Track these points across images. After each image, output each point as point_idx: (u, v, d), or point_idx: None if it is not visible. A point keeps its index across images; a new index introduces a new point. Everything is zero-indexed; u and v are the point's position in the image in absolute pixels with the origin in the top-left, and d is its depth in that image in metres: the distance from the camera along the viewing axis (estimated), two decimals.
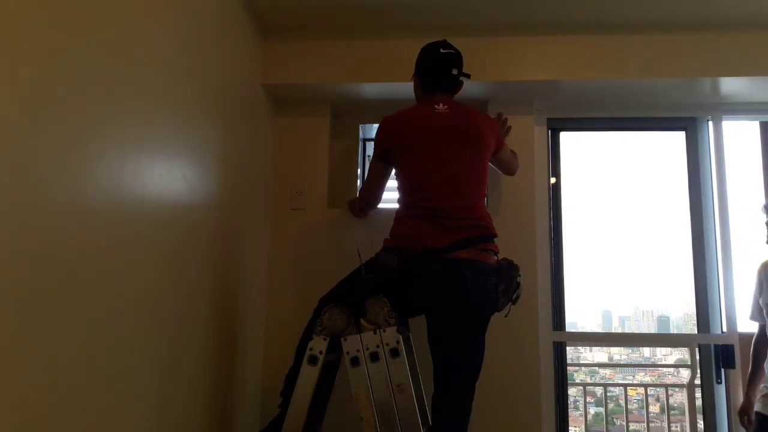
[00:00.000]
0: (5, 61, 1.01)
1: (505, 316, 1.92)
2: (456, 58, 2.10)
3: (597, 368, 3.85)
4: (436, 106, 2.04)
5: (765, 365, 2.25)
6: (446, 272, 1.83)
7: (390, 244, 1.95)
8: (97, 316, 1.29)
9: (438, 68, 2.10)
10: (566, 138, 2.79)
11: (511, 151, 2.35)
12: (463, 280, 1.83)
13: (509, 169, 2.38)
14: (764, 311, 2.29)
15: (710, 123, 2.69)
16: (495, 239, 1.97)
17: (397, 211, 2.02)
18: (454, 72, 2.09)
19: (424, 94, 2.13)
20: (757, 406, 2.21)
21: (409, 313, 2.00)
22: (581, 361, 3.80)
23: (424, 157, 1.99)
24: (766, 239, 2.25)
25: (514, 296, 1.92)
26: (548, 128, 2.74)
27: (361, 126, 2.83)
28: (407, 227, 1.94)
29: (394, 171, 2.13)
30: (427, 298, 1.85)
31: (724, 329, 2.53)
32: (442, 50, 2.10)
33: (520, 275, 1.94)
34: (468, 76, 2.13)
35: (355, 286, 1.92)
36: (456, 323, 1.84)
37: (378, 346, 1.73)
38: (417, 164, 2.00)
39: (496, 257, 1.94)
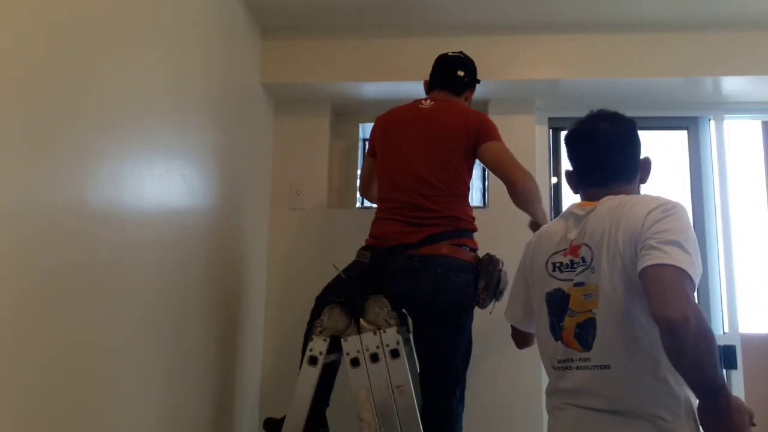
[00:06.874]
0: (5, 61, 1.00)
1: (490, 313, 1.90)
2: (463, 61, 2.13)
3: None
4: (423, 102, 2.06)
5: None
6: (416, 269, 1.82)
7: (366, 242, 1.99)
8: (96, 316, 1.28)
9: (441, 68, 2.14)
10: None
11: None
12: (432, 277, 1.81)
13: (502, 175, 1.99)
14: None
15: (712, 122, 2.68)
16: (472, 234, 1.95)
17: (376, 209, 2.05)
18: (460, 73, 2.11)
19: (427, 94, 2.15)
20: None
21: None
22: None
23: (394, 155, 2.01)
24: None
25: (497, 291, 1.90)
26: (549, 127, 2.73)
27: (361, 126, 2.82)
28: (378, 227, 1.98)
29: None
30: (398, 294, 1.84)
31: (726, 330, 2.51)
32: (450, 54, 2.14)
33: (501, 269, 1.91)
34: (475, 80, 2.14)
35: (338, 286, 1.94)
36: (426, 321, 1.85)
37: (378, 347, 1.73)
38: (388, 161, 2.02)
39: (472, 253, 1.91)
